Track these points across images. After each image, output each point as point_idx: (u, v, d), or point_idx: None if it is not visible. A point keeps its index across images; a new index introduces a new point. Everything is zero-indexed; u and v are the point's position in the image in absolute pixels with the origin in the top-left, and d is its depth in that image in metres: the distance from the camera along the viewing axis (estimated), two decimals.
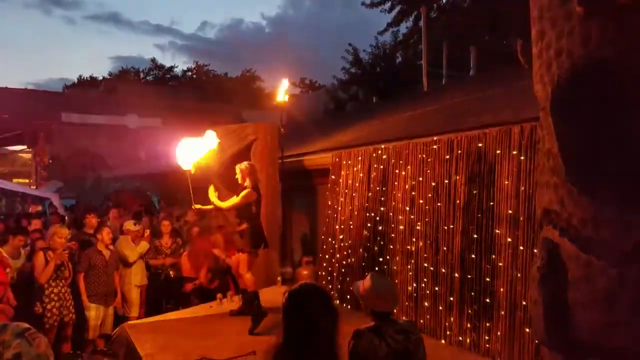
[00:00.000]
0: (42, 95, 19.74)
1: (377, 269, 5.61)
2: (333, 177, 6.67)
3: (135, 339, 4.78)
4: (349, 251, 6.10)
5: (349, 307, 5.91)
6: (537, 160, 2.49)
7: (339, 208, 6.42)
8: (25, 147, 11.68)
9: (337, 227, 6.43)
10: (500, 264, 4.14)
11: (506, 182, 4.16)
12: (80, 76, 36.48)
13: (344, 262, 6.17)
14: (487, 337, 4.20)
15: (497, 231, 4.20)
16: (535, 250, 3.88)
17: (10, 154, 14.89)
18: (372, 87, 19.65)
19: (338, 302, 6.11)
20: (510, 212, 4.10)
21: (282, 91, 7.82)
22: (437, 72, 14.21)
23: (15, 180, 17.65)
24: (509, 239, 4.11)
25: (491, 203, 4.26)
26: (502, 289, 4.12)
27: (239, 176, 5.47)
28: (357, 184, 6.12)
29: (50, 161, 14.74)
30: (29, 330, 1.88)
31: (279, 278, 6.87)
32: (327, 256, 6.59)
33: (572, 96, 2.13)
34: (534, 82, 2.46)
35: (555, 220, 2.24)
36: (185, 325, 5.30)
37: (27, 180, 17.28)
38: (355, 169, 6.18)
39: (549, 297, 2.23)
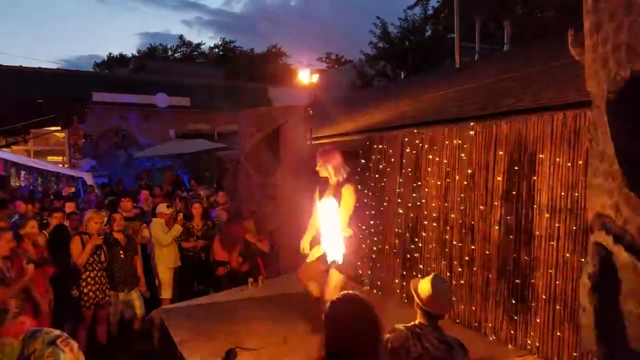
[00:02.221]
0: (74, 75, 20.04)
1: (408, 256, 5.53)
2: (363, 161, 6.55)
3: (169, 324, 4.87)
4: (380, 237, 6.03)
5: (379, 293, 5.88)
6: (589, 161, 2.33)
7: (370, 193, 6.33)
8: (59, 128, 11.95)
9: (367, 212, 6.34)
10: (540, 256, 4.01)
11: (548, 172, 3.98)
12: (109, 54, 36.93)
13: (375, 248, 6.11)
14: (524, 331, 4.10)
15: (537, 222, 4.05)
16: (575, 242, 3.75)
17: (44, 133, 15.28)
18: (401, 62, 19.21)
19: (368, 288, 6.10)
20: (551, 203, 3.93)
21: (310, 73, 7.70)
22: (470, 47, 13.77)
23: (49, 158, 18.16)
24: (550, 231, 3.96)
25: (531, 193, 4.10)
26: (541, 282, 3.99)
27: (326, 170, 4.22)
28: (388, 169, 6.00)
29: (83, 140, 15.06)
30: (60, 337, 1.87)
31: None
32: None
33: (631, 95, 1.96)
34: (586, 77, 2.29)
35: (608, 225, 2.11)
36: (218, 310, 5.36)
37: (61, 159, 17.74)
38: (386, 153, 6.05)
39: (600, 306, 2.12)
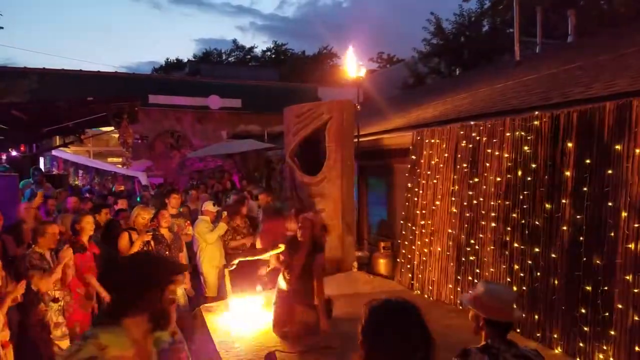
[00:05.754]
0: (130, 78, 20.76)
1: (463, 259, 5.14)
2: (413, 157, 6.21)
3: (211, 323, 4.73)
4: (432, 238, 5.66)
5: (431, 298, 5.50)
6: None
7: (420, 191, 5.97)
8: (112, 128, 12.32)
9: (417, 211, 5.99)
10: (616, 261, 3.53)
11: (625, 165, 3.51)
12: (167, 59, 38.15)
13: (426, 250, 5.74)
14: (596, 344, 3.63)
15: (612, 222, 3.58)
16: None
17: (103, 134, 15.85)
18: (455, 58, 18.50)
19: (419, 292, 5.73)
20: (630, 200, 3.46)
21: (356, 66, 7.40)
22: (529, 42, 13.01)
23: (110, 159, 18.87)
24: (627, 232, 3.48)
25: (606, 189, 3.63)
26: (617, 290, 3.52)
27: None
28: (441, 165, 5.62)
29: (139, 141, 15.47)
30: None
31: (354, 263, 6.57)
32: (406, 242, 6.19)
33: None
34: None
35: None
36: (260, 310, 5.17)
37: (119, 159, 18.36)
38: (439, 148, 5.67)
39: None
